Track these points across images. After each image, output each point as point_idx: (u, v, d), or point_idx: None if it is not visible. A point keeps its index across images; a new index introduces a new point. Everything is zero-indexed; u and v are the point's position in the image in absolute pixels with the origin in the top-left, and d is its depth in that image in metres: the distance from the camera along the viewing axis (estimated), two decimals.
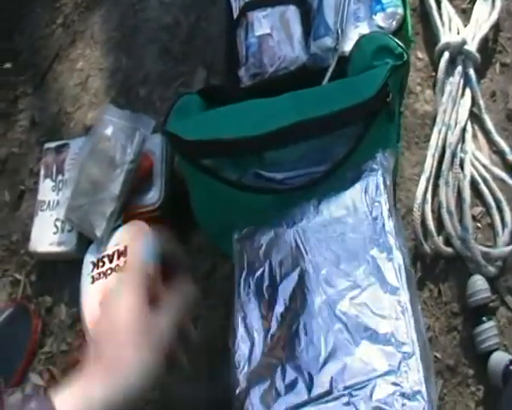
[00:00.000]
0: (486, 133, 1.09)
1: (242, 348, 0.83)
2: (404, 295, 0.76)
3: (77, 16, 1.44)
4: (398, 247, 0.80)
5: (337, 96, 0.94)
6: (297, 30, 1.14)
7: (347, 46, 1.07)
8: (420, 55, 1.17)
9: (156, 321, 0.81)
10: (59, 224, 1.16)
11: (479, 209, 1.04)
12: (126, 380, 0.77)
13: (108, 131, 1.11)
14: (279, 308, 0.83)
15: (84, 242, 1.12)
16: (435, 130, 1.07)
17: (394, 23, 1.08)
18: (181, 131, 0.96)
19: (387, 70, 0.94)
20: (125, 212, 1.09)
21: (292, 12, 1.15)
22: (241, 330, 0.84)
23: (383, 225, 0.82)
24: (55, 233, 1.17)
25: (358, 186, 0.88)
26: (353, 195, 0.88)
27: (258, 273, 0.87)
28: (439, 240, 1.01)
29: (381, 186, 0.86)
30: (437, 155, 1.06)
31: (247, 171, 0.94)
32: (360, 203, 0.86)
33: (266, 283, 0.86)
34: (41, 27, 1.47)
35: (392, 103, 0.95)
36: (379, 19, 1.09)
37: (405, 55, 0.99)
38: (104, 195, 1.08)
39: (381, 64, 0.96)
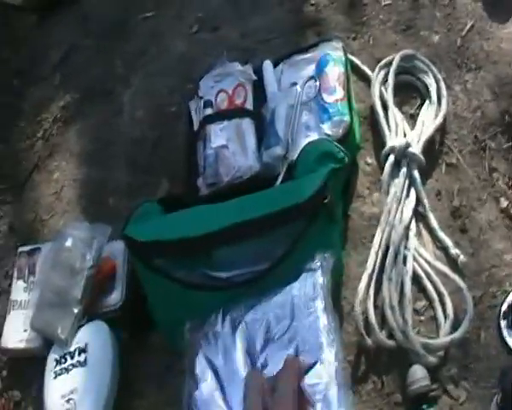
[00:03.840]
0: (431, 230, 1.18)
1: None
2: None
3: (55, 130, 1.59)
4: (331, 344, 0.91)
5: (277, 198, 1.06)
6: (251, 141, 1.26)
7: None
8: (369, 160, 1.28)
9: None
10: (28, 322, 1.25)
11: (422, 303, 1.12)
12: None
13: (68, 243, 1.24)
14: None
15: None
16: (379, 229, 1.16)
17: (340, 131, 1.20)
18: (135, 233, 1.08)
19: (326, 173, 1.05)
20: (89, 311, 1.21)
21: (247, 124, 1.28)
22: None
23: (317, 322, 0.93)
24: (25, 331, 1.27)
25: (296, 285, 0.99)
26: (291, 293, 0.98)
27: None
28: (382, 334, 1.08)
29: (318, 286, 0.97)
30: (380, 253, 1.14)
31: (196, 270, 1.05)
32: (297, 301, 0.96)
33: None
34: (22, 140, 1.62)
35: (332, 205, 1.06)
36: (326, 127, 1.21)
37: (346, 159, 1.09)
38: (68, 300, 1.19)
39: (323, 168, 1.07)
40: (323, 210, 1.04)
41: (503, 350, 1.03)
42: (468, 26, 1.37)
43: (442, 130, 1.26)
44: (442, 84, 1.29)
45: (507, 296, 1.06)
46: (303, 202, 1.02)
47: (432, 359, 1.05)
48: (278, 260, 1.02)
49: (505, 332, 1.03)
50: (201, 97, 1.36)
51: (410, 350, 1.06)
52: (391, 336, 1.08)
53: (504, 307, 1.04)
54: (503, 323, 1.04)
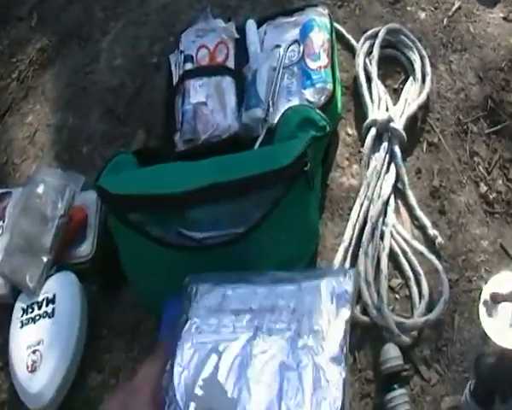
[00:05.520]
0: (409, 208, 1.10)
1: None
2: None
3: (31, 73, 1.45)
4: None
5: (257, 162, 0.96)
6: (231, 100, 1.16)
7: (278, 118, 1.08)
8: (350, 131, 1.19)
9: None
10: None
11: (397, 281, 1.04)
12: None
13: (40, 189, 1.14)
14: None
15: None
16: (357, 202, 1.08)
17: (323, 98, 1.11)
18: (110, 185, 0.97)
19: (307, 140, 0.96)
20: (59, 262, 1.10)
21: (227, 82, 1.18)
22: None
23: None
24: None
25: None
26: None
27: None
28: (357, 309, 1.00)
29: None
30: (358, 227, 1.06)
31: (170, 228, 0.94)
32: None
33: None
34: None
35: (311, 172, 0.97)
36: (308, 93, 1.12)
37: (328, 128, 1.01)
38: (37, 247, 1.09)
39: (304, 134, 0.98)
40: (303, 177, 0.96)
41: (481, 338, 0.97)
42: (455, 7, 1.29)
43: (425, 108, 1.18)
44: (427, 62, 1.20)
45: (486, 283, 1.00)
46: (283, 168, 0.92)
47: (405, 338, 0.97)
48: (255, 224, 0.92)
49: (484, 320, 0.97)
50: (182, 51, 1.25)
51: (384, 328, 0.98)
52: (365, 311, 1.00)
53: (485, 295, 0.97)
54: (482, 310, 0.98)
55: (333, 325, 0.73)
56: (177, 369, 0.73)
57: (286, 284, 0.78)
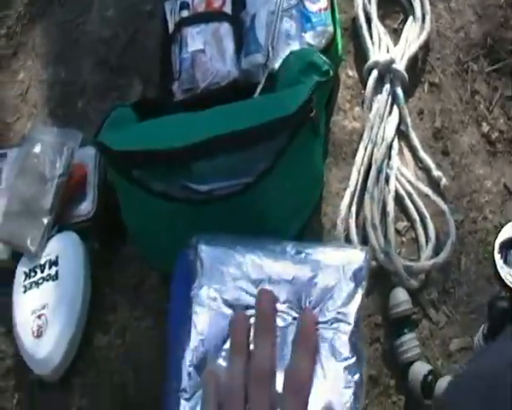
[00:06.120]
0: (413, 150, 1.08)
1: None
2: None
3: (20, 28, 1.40)
4: None
5: (262, 110, 0.93)
6: (229, 46, 1.13)
7: (278, 63, 1.05)
8: (350, 73, 1.17)
9: None
10: None
11: (403, 224, 1.03)
12: None
13: (37, 149, 1.10)
14: None
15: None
16: (361, 146, 1.07)
17: (324, 41, 1.08)
18: (111, 141, 0.94)
19: (312, 86, 0.94)
20: (59, 222, 1.07)
21: (225, 29, 1.15)
22: None
23: None
24: None
25: None
26: None
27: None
28: None
29: None
30: (362, 171, 1.05)
31: (175, 183, 0.92)
32: None
33: None
34: None
35: (317, 118, 0.95)
36: (308, 37, 1.08)
37: (331, 72, 0.99)
38: (37, 209, 1.06)
39: (307, 80, 0.96)
40: (309, 124, 0.94)
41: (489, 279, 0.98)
42: None
43: (425, 48, 1.16)
44: (426, 1, 1.17)
45: (500, 230, 0.99)
46: (290, 115, 0.89)
47: (413, 282, 0.97)
48: (261, 174, 0.90)
49: (500, 267, 0.97)
50: None
51: (392, 272, 0.98)
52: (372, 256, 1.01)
53: (499, 242, 0.97)
54: (497, 257, 0.97)
55: (351, 300, 0.73)
56: (195, 339, 0.72)
57: (305, 256, 0.77)
